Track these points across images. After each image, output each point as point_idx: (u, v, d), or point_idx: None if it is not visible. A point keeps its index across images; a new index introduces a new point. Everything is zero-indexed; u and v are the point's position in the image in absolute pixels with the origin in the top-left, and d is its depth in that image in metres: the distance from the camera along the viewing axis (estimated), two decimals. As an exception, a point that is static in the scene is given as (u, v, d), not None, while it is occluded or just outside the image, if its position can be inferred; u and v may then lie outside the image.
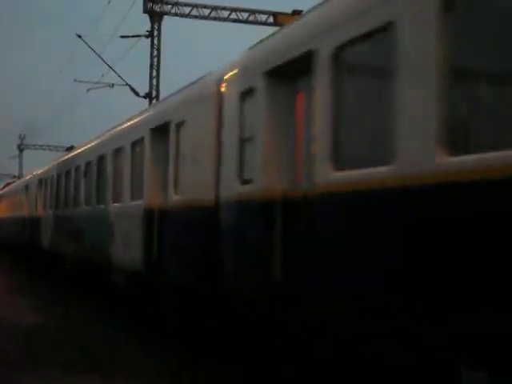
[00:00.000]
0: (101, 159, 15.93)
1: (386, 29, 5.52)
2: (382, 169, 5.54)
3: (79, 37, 29.21)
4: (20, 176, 58.42)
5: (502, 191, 4.40)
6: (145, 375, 9.09)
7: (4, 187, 49.35)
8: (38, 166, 28.21)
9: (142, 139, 12.58)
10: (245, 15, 30.18)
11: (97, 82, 32.44)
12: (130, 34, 29.18)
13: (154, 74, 29.36)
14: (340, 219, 6.30)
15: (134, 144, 13.18)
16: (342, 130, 6.34)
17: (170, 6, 29.45)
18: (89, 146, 18.21)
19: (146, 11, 29.21)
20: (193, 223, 9.96)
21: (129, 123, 14.32)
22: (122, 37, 29.16)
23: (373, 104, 6.07)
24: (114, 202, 14.55)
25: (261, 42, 8.45)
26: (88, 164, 17.29)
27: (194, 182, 9.92)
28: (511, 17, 4.53)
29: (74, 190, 19.09)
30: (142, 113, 13.78)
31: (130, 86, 29.68)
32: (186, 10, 29.74)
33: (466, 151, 4.74)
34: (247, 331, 8.45)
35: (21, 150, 67.69)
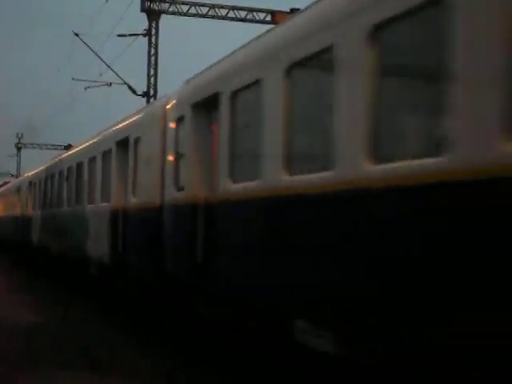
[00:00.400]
0: (79, 165, 18.16)
1: (256, 83, 7.71)
2: (253, 183, 7.66)
3: (76, 35, 29.28)
4: (18, 175, 58.43)
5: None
6: (142, 375, 9.19)
7: (0, 187, 49.46)
8: (36, 164, 28.31)
9: (110, 150, 14.80)
10: (243, 13, 30.18)
11: (95, 81, 32.56)
12: (128, 33, 29.26)
13: (152, 72, 29.39)
14: (230, 219, 8.53)
15: (104, 154, 15.36)
16: (235, 152, 8.40)
17: (167, 4, 29.40)
18: (71, 153, 20.64)
19: (143, 10, 29.16)
20: (145, 221, 12.17)
21: (102, 135, 16.38)
22: (120, 35, 29.21)
23: (250, 136, 8.12)
24: (89, 203, 16.74)
25: (193, 77, 10.55)
26: (70, 169, 19.57)
27: (146, 188, 12.12)
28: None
29: (58, 191, 21.30)
30: (112, 126, 15.67)
31: (127, 84, 29.78)
32: (184, 8, 29.68)
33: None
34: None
35: (19, 149, 67.67)
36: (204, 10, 29.84)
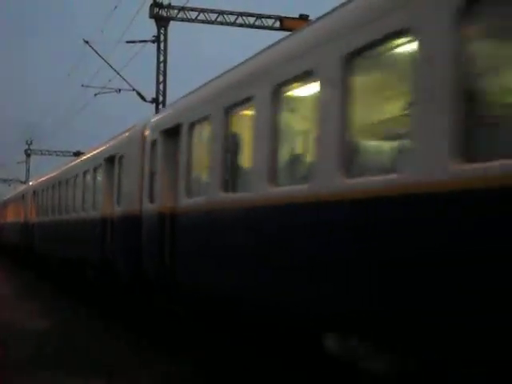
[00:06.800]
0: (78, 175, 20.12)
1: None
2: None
3: (86, 42, 29.33)
4: (27, 181, 58.56)
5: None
6: (144, 379, 9.15)
7: None
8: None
9: (100, 165, 17.18)
10: (251, 20, 30.16)
11: (104, 87, 32.57)
12: (137, 40, 29.27)
13: (161, 78, 29.40)
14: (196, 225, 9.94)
15: (95, 169, 17.93)
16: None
17: (176, 10, 29.42)
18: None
19: (152, 16, 29.17)
20: (128, 225, 14.00)
21: (90, 155, 18.75)
22: (129, 42, 29.24)
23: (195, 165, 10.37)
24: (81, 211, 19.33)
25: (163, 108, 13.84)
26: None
27: (129, 199, 14.10)
28: None
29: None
30: (99, 146, 17.96)
31: (136, 91, 29.77)
32: (193, 14, 29.67)
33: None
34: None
35: (28, 156, 67.84)
36: (213, 16, 29.86)
